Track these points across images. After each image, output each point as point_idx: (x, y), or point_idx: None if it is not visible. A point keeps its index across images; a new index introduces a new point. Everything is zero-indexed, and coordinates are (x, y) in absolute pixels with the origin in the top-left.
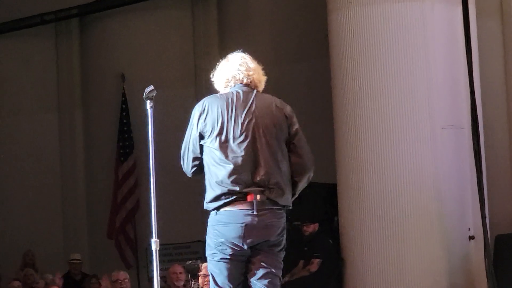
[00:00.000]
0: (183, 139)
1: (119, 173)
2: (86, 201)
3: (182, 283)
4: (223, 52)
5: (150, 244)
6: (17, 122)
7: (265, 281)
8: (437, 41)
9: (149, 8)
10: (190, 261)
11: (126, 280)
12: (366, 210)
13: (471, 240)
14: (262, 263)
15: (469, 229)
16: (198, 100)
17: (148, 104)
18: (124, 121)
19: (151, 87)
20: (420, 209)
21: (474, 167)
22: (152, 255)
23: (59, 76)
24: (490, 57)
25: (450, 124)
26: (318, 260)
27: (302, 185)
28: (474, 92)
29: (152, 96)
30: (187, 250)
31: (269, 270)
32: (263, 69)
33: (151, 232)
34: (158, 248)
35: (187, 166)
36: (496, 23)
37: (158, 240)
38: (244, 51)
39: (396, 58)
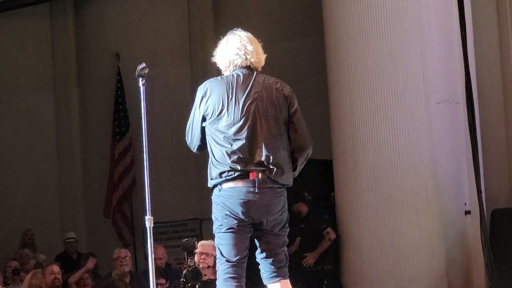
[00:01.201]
0: (187, 117)
1: (115, 152)
2: (83, 180)
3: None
4: (218, 31)
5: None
6: (13, 102)
7: (270, 260)
8: (431, 15)
9: None
10: (186, 239)
11: (127, 258)
12: (362, 185)
13: (467, 215)
14: (266, 244)
15: (465, 204)
16: (193, 78)
17: (140, 81)
18: (120, 99)
19: (143, 64)
20: (416, 184)
21: (470, 142)
22: (146, 232)
23: (55, 56)
24: (484, 31)
25: (445, 99)
26: (329, 228)
27: (301, 161)
28: (468, 66)
29: (144, 73)
30: (183, 228)
31: (273, 251)
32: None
33: (145, 210)
34: (152, 226)
35: (191, 143)
36: None
37: (151, 218)
38: (240, 29)
39: (390, 34)
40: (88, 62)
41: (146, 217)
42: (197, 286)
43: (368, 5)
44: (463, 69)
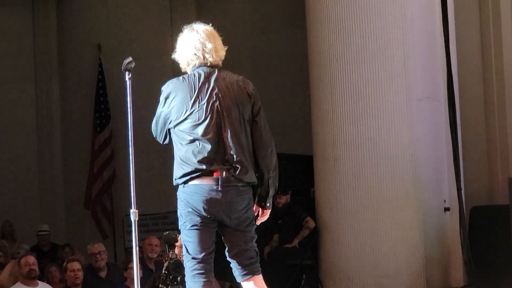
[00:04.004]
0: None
1: (95, 144)
2: (63, 171)
3: (155, 255)
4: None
5: (127, 215)
6: None
7: (240, 257)
8: (414, 12)
9: None
10: (168, 232)
11: (102, 252)
12: (342, 181)
13: (447, 212)
14: (234, 241)
15: (445, 200)
16: (174, 71)
17: (127, 75)
18: (101, 91)
19: (129, 58)
20: (396, 180)
21: (450, 139)
22: (131, 225)
23: (36, 46)
24: (466, 29)
25: (426, 96)
26: (308, 217)
27: (266, 160)
28: (450, 64)
29: (131, 67)
30: (164, 220)
31: (241, 247)
32: (239, 40)
33: (130, 203)
34: (137, 219)
35: (158, 136)
36: None
37: (137, 211)
38: (199, 22)
39: (372, 30)
40: (69, 53)
41: (131, 211)
42: (179, 278)
43: (350, 1)
44: (445, 66)
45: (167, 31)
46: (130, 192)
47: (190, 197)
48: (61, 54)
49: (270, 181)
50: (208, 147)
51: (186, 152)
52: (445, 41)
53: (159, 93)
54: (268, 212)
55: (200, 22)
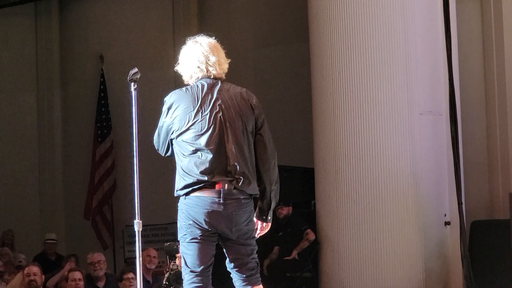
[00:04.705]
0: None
1: (96, 154)
2: (64, 181)
3: (153, 266)
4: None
5: (127, 225)
6: None
7: (240, 269)
8: (417, 27)
9: None
10: (169, 243)
11: (101, 262)
12: (343, 194)
13: (447, 226)
14: (235, 254)
15: (445, 215)
16: (176, 82)
17: (132, 86)
18: (102, 102)
19: (135, 69)
20: (397, 194)
21: (452, 153)
22: (134, 236)
23: (38, 56)
24: (469, 44)
25: (428, 110)
26: (309, 229)
27: (270, 173)
28: (452, 78)
29: (136, 78)
30: (164, 231)
31: (243, 260)
32: (242, 53)
33: (134, 213)
34: (140, 229)
35: (160, 148)
36: (475, 9)
37: (141, 222)
38: (202, 35)
39: (375, 44)
40: (71, 63)
41: (135, 221)
42: None
43: (353, 15)
44: (447, 80)
45: (169, 42)
46: (134, 203)
47: (192, 209)
48: (63, 64)
49: (272, 194)
50: (211, 157)
51: (188, 163)
52: (447, 56)
53: (161, 104)
54: (268, 226)
55: (204, 34)
